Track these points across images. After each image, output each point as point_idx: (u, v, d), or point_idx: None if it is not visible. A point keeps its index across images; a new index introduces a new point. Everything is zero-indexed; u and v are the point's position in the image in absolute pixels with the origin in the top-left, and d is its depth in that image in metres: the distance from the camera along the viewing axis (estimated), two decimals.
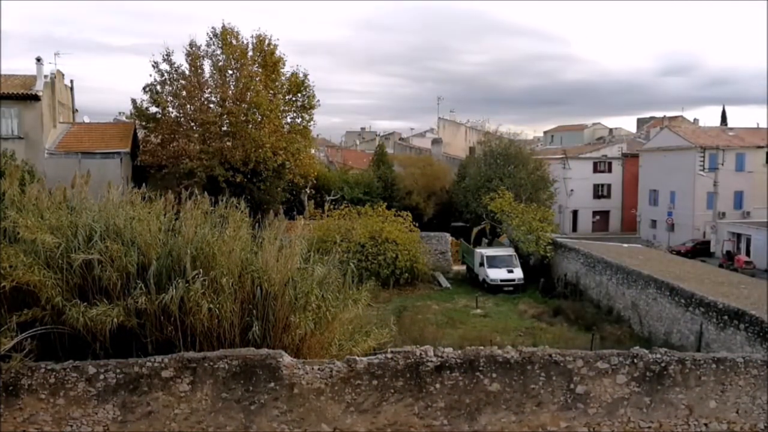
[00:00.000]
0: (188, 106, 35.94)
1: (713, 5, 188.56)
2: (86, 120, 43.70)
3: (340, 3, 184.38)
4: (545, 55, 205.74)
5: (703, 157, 51.23)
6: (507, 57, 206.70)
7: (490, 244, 38.21)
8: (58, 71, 36.90)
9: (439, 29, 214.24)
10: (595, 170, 63.95)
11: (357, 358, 12.65)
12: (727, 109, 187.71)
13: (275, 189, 37.65)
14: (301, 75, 39.08)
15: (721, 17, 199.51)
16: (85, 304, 12.37)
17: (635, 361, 12.98)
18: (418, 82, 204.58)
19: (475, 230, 39.86)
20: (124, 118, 43.83)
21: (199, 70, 36.57)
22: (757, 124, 63.11)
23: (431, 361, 12.62)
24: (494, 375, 12.72)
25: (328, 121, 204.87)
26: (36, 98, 33.11)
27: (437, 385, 12.65)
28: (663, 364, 13.00)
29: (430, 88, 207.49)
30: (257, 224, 14.77)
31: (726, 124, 70.87)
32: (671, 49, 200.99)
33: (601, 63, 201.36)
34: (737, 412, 13.10)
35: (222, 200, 15.22)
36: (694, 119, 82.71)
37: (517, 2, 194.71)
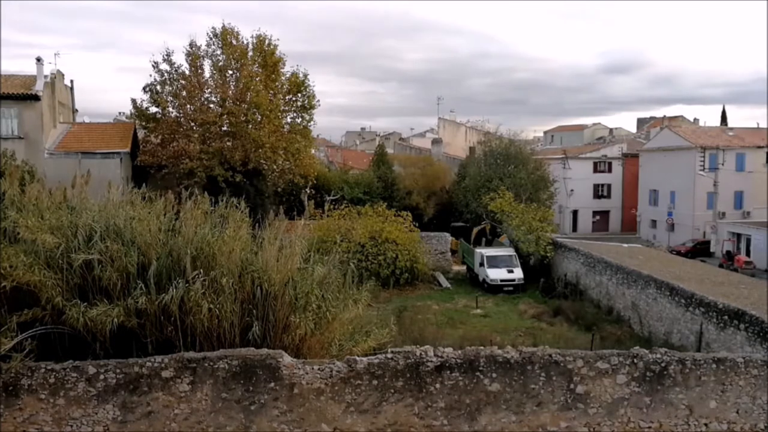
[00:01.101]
0: (188, 106, 35.93)
1: (657, 4, 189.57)
2: (86, 120, 43.72)
3: (271, 2, 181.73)
4: (489, 54, 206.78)
5: (703, 157, 51.23)
6: (448, 57, 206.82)
7: (489, 244, 38.20)
8: (59, 71, 36.93)
9: (370, 29, 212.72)
10: (595, 170, 63.92)
11: (357, 358, 12.65)
12: (682, 109, 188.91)
13: (266, 189, 37.71)
14: (301, 75, 39.11)
15: (666, 16, 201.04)
16: (85, 304, 12.39)
17: (635, 361, 12.98)
18: (378, 81, 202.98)
19: (475, 230, 39.86)
20: (124, 118, 43.88)
21: (199, 70, 36.57)
22: (757, 124, 63.14)
23: (431, 361, 12.62)
24: (494, 375, 12.72)
25: (328, 121, 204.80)
26: (36, 98, 33.12)
27: (437, 385, 12.65)
28: (663, 364, 13.00)
29: (394, 89, 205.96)
30: (257, 224, 14.78)
31: (726, 124, 70.84)
32: (615, 47, 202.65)
33: (548, 62, 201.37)
34: (737, 412, 13.10)
35: (222, 200, 15.23)
36: (694, 119, 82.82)
37: (442, 3, 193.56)
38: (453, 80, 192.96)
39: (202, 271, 12.76)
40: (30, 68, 36.31)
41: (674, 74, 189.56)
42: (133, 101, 37.14)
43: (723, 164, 50.66)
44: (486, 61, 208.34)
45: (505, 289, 32.57)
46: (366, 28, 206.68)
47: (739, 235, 45.58)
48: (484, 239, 38.90)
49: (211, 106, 36.25)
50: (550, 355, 12.86)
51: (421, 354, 12.65)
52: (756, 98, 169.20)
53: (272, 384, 12.34)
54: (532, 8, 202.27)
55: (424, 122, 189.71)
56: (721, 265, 39.32)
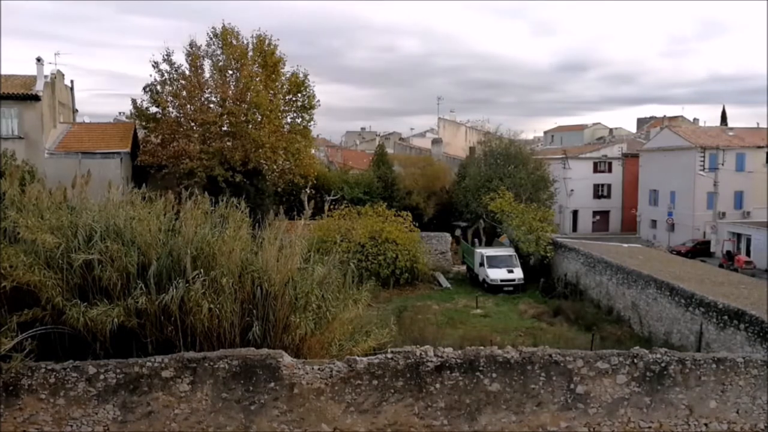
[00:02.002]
0: (188, 106, 35.92)
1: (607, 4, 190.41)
2: (86, 120, 43.73)
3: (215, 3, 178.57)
4: (439, 52, 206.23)
5: (703, 157, 51.22)
6: (396, 56, 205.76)
7: (488, 244, 38.21)
8: (59, 71, 36.93)
9: (314, 29, 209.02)
10: (595, 170, 63.91)
11: (357, 358, 12.65)
12: (654, 109, 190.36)
13: (266, 189, 37.73)
14: (301, 75, 39.12)
15: (616, 15, 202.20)
16: (85, 304, 12.39)
17: (635, 361, 12.98)
18: (337, 83, 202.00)
19: (470, 231, 39.88)
20: (124, 118, 43.87)
21: (200, 70, 36.58)
22: (757, 123, 63.07)
23: (431, 361, 12.62)
24: (494, 375, 12.72)
25: (328, 121, 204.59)
26: (36, 98, 33.11)
27: (437, 385, 12.65)
28: (663, 364, 13.00)
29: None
30: (257, 224, 14.78)
31: (726, 124, 70.84)
32: (566, 45, 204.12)
33: (500, 59, 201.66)
34: (737, 412, 13.10)
35: (222, 200, 15.23)
36: (694, 119, 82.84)
37: (386, 3, 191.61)
38: (408, 80, 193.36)
39: (202, 271, 12.77)
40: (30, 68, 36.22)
41: (634, 73, 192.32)
42: (134, 101, 37.18)
43: (723, 164, 50.65)
44: (439, 60, 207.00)
45: (505, 289, 32.56)
46: (310, 28, 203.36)
47: (739, 235, 45.57)
48: (476, 239, 38.81)
49: (211, 106, 36.25)
50: (550, 355, 12.86)
51: (421, 354, 12.65)
52: (715, 98, 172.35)
53: (272, 384, 12.34)
54: (475, 6, 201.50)
55: (397, 124, 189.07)
56: (721, 265, 39.31)
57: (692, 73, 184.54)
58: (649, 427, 13.00)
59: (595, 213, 63.74)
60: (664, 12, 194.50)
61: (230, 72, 36.89)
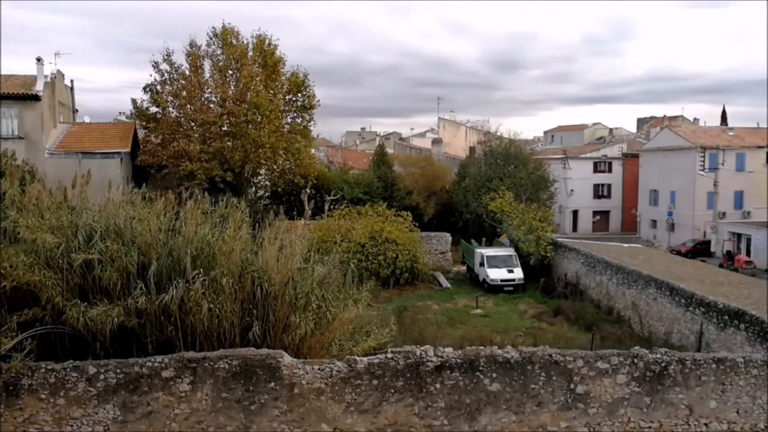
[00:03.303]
0: (188, 106, 35.94)
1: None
2: (86, 120, 43.71)
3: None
4: (369, 49, 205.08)
5: (704, 157, 51.19)
6: (325, 58, 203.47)
7: (488, 244, 38.22)
8: (59, 71, 36.92)
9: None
10: (596, 170, 63.89)
11: (357, 358, 12.65)
12: (604, 109, 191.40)
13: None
14: (301, 75, 39.12)
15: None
16: (86, 304, 12.39)
17: (635, 361, 12.98)
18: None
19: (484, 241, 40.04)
20: (124, 118, 43.86)
21: (200, 71, 36.59)
22: (758, 124, 63.02)
23: (431, 361, 12.62)
24: (494, 375, 12.72)
25: (328, 121, 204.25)
26: (36, 98, 33.11)
27: (437, 385, 12.65)
28: (663, 364, 13.00)
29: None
30: (257, 224, 14.79)
31: (726, 124, 70.82)
32: (493, 43, 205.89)
33: (432, 54, 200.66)
34: (737, 412, 13.10)
35: (222, 200, 15.23)
36: (694, 119, 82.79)
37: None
38: (347, 81, 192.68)
39: (202, 271, 12.77)
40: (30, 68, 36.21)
41: (570, 73, 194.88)
42: (134, 101, 37.20)
43: (723, 164, 50.62)
44: (371, 57, 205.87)
45: (505, 289, 32.55)
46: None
47: (739, 235, 45.55)
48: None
49: (211, 106, 36.28)
50: (550, 355, 12.86)
51: (421, 354, 12.65)
52: (651, 98, 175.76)
53: (272, 384, 12.34)
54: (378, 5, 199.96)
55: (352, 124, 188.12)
56: (721, 265, 39.29)
57: (630, 72, 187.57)
58: (649, 427, 13.00)
59: (595, 213, 63.72)
60: (582, 12, 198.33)
61: (230, 72, 36.91)
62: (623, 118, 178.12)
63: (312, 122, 40.46)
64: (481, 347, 13.21)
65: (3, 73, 34.37)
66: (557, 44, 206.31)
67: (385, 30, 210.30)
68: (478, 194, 42.76)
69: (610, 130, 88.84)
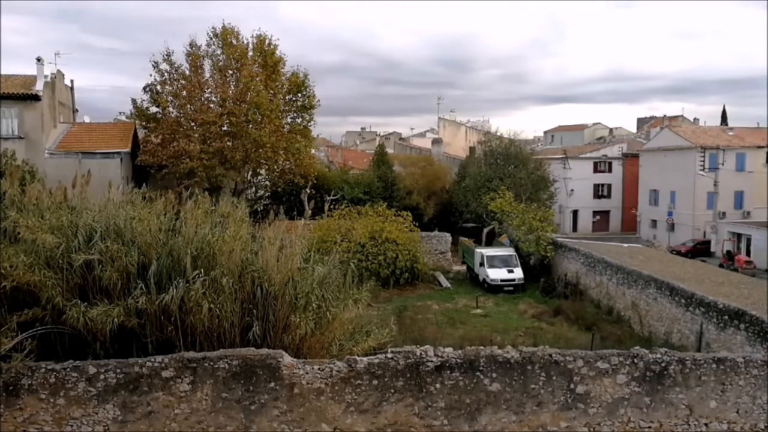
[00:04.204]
0: (188, 106, 35.93)
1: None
2: (86, 120, 43.72)
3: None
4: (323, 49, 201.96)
5: (704, 157, 51.20)
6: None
7: (488, 244, 38.23)
8: (59, 71, 36.92)
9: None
10: (596, 170, 63.92)
11: (357, 358, 12.65)
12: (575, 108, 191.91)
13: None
14: (301, 75, 39.12)
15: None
16: (86, 304, 12.40)
17: (635, 361, 12.98)
18: None
19: (484, 232, 40.12)
20: (124, 118, 43.85)
21: (200, 70, 36.58)
22: (758, 123, 63.05)
23: (431, 361, 12.62)
24: (494, 375, 12.72)
25: (328, 121, 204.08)
26: (36, 98, 33.11)
27: (437, 385, 12.65)
28: (663, 364, 13.00)
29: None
30: (257, 224, 14.81)
31: (726, 124, 70.82)
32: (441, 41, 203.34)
33: (376, 50, 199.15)
34: (737, 412, 13.10)
35: (222, 200, 15.24)
36: (695, 119, 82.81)
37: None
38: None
39: (202, 271, 12.78)
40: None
41: (526, 72, 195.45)
42: (134, 101, 37.20)
43: (723, 164, 50.62)
44: (322, 56, 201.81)
45: (506, 289, 32.55)
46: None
47: (739, 235, 45.55)
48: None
49: (212, 106, 36.26)
50: (550, 355, 12.86)
51: (421, 354, 12.65)
52: (602, 97, 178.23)
53: (272, 384, 12.34)
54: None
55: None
56: (721, 265, 39.29)
57: (591, 72, 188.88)
58: (649, 427, 13.00)
59: (595, 213, 63.74)
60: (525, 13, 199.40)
61: (230, 72, 36.90)
62: (595, 116, 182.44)
63: (312, 122, 40.51)
64: (481, 347, 13.22)
65: (3, 73, 34.40)
66: (506, 45, 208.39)
67: (333, 29, 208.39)
68: (478, 194, 42.77)
69: (610, 130, 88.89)
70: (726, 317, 19.20)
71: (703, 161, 51.13)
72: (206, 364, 12.24)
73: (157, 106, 36.50)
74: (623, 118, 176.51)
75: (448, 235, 39.74)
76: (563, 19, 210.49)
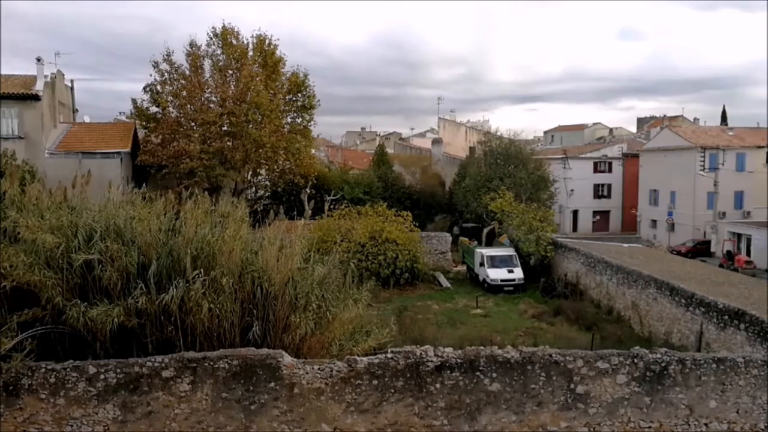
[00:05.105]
0: (188, 106, 35.96)
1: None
2: (86, 120, 43.73)
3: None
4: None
5: (704, 157, 51.19)
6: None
7: (488, 244, 38.22)
8: (59, 71, 36.92)
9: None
10: (596, 170, 63.90)
11: (357, 358, 12.65)
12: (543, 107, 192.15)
13: None
14: (301, 75, 39.13)
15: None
16: (86, 304, 12.39)
17: (635, 361, 12.98)
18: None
19: (485, 232, 40.11)
20: (124, 118, 43.87)
21: (200, 70, 36.60)
22: (758, 123, 63.02)
23: (431, 361, 12.62)
24: (494, 375, 12.72)
25: (329, 121, 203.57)
26: (36, 98, 33.12)
27: (437, 385, 12.65)
28: (663, 364, 13.00)
29: None
30: (257, 224, 14.81)
31: (726, 124, 70.81)
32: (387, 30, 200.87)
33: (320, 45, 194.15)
34: (737, 412, 13.10)
35: (222, 200, 15.24)
36: (695, 119, 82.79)
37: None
38: None
39: (202, 270, 12.77)
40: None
41: (479, 73, 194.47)
42: (134, 101, 37.25)
43: (723, 164, 50.61)
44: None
45: (506, 289, 32.55)
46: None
47: (739, 235, 45.53)
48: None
49: (212, 106, 36.29)
50: (550, 355, 12.86)
51: (421, 354, 12.65)
52: (563, 98, 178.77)
53: (272, 384, 12.34)
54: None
55: None
56: (721, 265, 39.29)
57: (546, 72, 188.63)
58: (649, 427, 12.99)
59: (595, 213, 63.73)
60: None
61: (230, 72, 36.93)
62: (563, 117, 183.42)
63: (312, 122, 40.53)
64: (481, 347, 13.21)
65: (3, 73, 34.41)
66: (456, 46, 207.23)
67: (291, 28, 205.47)
68: (478, 194, 42.77)
69: (610, 130, 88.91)
70: (726, 317, 19.20)
71: (703, 161, 51.13)
72: (206, 364, 12.23)
73: (157, 106, 36.54)
74: (590, 117, 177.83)
75: (448, 235, 39.76)
76: (506, 18, 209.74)
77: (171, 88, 36.58)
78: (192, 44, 36.57)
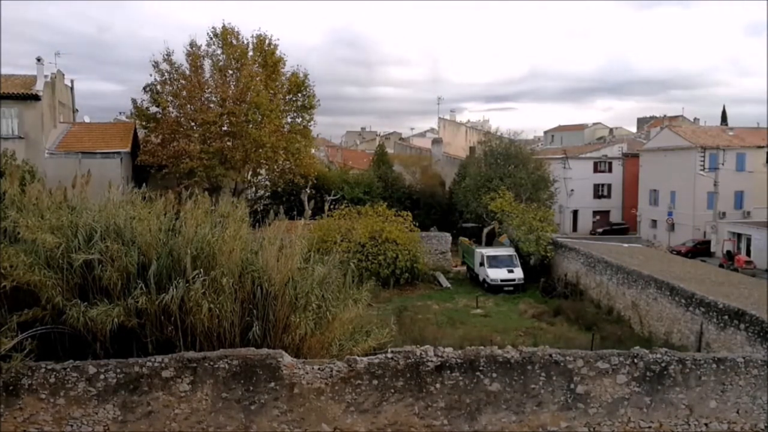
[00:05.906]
0: (188, 106, 35.96)
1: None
2: (86, 120, 43.73)
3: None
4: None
5: (704, 157, 51.20)
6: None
7: (488, 244, 38.23)
8: (59, 71, 36.92)
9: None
10: (596, 170, 63.93)
11: (357, 358, 12.65)
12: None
13: None
14: (301, 75, 39.13)
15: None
16: (86, 304, 12.39)
17: (635, 361, 12.98)
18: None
19: (485, 231, 40.14)
20: (124, 118, 43.90)
21: (200, 70, 36.60)
22: (758, 123, 63.05)
23: (431, 361, 12.62)
24: (494, 375, 12.72)
25: (329, 121, 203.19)
26: (36, 98, 33.12)
27: (437, 385, 12.65)
28: (663, 364, 13.00)
29: None
30: (257, 224, 14.81)
31: (726, 124, 70.81)
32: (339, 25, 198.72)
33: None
34: (737, 412, 13.10)
35: (222, 200, 15.24)
36: (695, 119, 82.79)
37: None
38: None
39: (202, 270, 12.77)
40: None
41: (442, 73, 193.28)
42: (134, 101, 37.25)
43: (723, 164, 50.61)
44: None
45: (506, 289, 32.55)
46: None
47: (739, 235, 45.53)
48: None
49: (212, 105, 36.28)
50: (550, 355, 12.86)
51: (421, 354, 12.65)
52: (531, 97, 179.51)
53: (272, 384, 12.34)
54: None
55: None
56: (721, 265, 39.29)
57: (511, 72, 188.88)
58: (649, 427, 13.00)
59: (595, 213, 63.76)
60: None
61: (230, 72, 36.93)
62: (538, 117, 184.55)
63: (312, 122, 40.53)
64: (481, 347, 13.21)
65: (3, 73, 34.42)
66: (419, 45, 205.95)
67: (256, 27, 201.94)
68: (478, 194, 42.77)
69: (611, 129, 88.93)
70: (726, 317, 19.20)
71: (703, 161, 51.13)
72: (206, 364, 12.23)
73: (157, 106, 36.53)
74: (560, 118, 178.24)
75: (448, 235, 39.78)
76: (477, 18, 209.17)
77: (171, 88, 36.57)
78: (192, 44, 36.59)
